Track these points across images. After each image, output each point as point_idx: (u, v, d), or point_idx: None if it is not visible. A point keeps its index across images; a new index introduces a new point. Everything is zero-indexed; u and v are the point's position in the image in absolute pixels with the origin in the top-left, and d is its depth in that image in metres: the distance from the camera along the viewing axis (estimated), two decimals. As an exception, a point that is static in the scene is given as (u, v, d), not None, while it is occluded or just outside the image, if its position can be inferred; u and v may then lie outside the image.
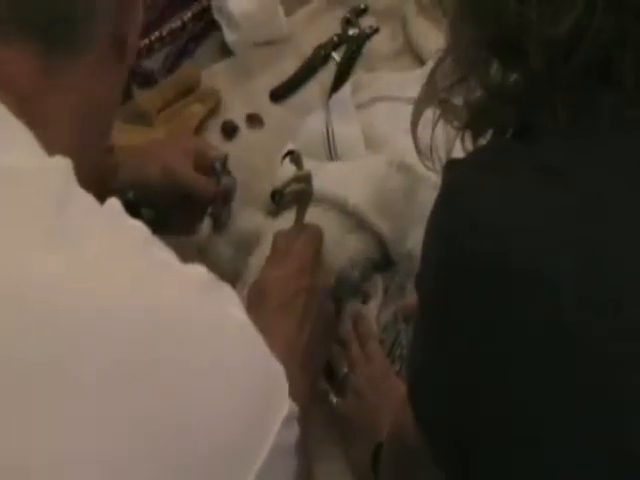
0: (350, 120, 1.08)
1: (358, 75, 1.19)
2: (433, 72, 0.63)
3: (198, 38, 1.23)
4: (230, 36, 1.21)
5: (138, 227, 0.49)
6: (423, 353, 0.60)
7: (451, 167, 0.58)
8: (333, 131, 1.07)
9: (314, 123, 1.10)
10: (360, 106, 1.12)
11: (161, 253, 0.49)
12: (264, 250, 0.93)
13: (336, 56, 1.22)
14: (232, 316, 0.50)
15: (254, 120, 1.18)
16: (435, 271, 0.57)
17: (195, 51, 1.23)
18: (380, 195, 0.98)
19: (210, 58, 1.21)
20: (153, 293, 0.46)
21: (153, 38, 1.19)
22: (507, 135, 0.59)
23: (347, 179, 0.99)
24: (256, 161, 1.11)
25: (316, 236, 0.91)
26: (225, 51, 1.21)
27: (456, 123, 0.63)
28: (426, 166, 0.72)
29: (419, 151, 0.71)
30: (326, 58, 1.23)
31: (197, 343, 0.46)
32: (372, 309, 0.99)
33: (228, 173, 0.98)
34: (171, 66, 1.20)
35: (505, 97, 0.58)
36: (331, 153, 1.07)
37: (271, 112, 1.18)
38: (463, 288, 0.54)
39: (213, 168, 0.95)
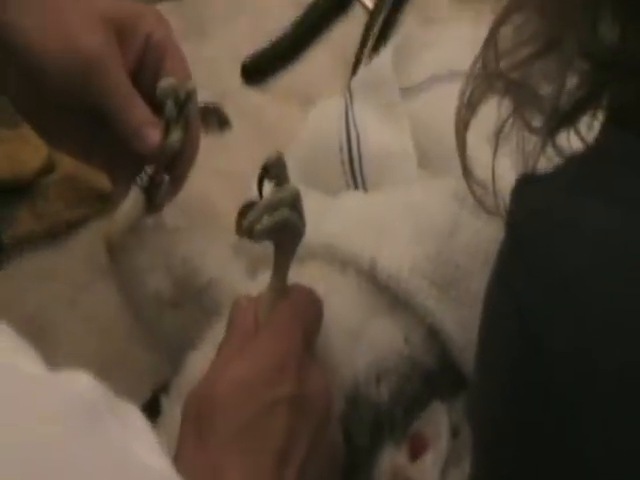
0: (390, 116, 0.91)
1: (407, 30, 1.02)
2: (494, 33, 0.57)
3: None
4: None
5: None
6: None
7: (525, 189, 0.53)
8: (358, 137, 0.88)
9: (324, 122, 0.91)
10: (410, 90, 0.93)
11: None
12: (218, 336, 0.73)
13: (366, -3, 1.01)
14: (139, 462, 0.42)
15: (212, 117, 0.98)
16: (506, 379, 0.51)
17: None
18: (440, 257, 0.78)
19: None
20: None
21: None
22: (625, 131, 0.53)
23: (379, 224, 0.81)
24: (211, 194, 0.90)
25: (308, 308, 0.72)
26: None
27: (536, 121, 0.58)
28: (482, 204, 0.67)
29: (469, 177, 0.65)
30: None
31: None
32: (428, 470, 0.75)
33: (185, 124, 0.75)
34: None
35: (625, 68, 0.53)
36: (354, 176, 0.88)
37: (244, 101, 0.98)
38: (570, 406, 0.46)
39: (161, 103, 0.74)
